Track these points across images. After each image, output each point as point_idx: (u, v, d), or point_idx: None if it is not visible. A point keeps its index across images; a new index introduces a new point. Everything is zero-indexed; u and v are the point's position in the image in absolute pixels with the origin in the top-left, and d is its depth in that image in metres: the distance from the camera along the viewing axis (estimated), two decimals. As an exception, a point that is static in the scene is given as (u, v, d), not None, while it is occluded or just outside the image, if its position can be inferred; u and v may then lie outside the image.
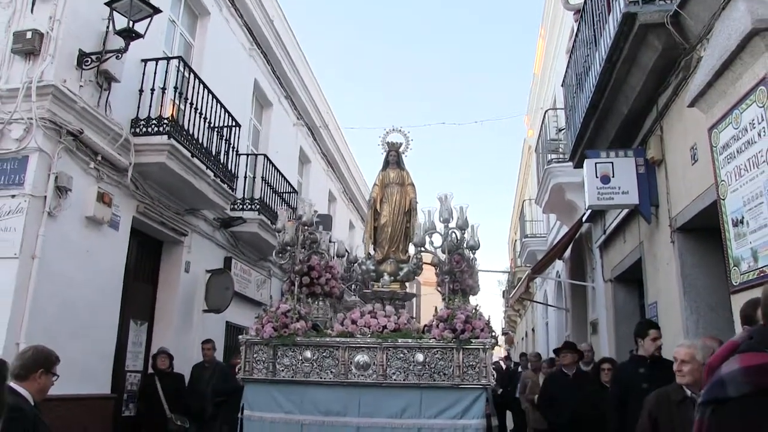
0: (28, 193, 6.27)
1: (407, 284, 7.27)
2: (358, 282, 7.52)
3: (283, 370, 5.98)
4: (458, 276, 6.41)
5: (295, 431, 5.78)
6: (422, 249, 6.78)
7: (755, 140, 3.95)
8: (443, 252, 6.52)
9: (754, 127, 3.95)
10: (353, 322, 6.20)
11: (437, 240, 6.58)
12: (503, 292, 29.47)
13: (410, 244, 7.09)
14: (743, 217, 4.14)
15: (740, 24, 3.95)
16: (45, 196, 6.39)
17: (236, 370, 7.25)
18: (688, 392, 3.67)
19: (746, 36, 3.85)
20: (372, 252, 7.23)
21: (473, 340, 5.73)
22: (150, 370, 8.27)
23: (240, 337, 6.27)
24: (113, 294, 7.66)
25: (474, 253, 6.63)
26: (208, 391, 8.07)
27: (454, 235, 6.58)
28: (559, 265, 14.02)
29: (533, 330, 21.93)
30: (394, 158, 7.43)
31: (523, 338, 26.29)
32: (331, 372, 5.90)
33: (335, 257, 7.66)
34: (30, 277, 6.18)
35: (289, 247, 6.60)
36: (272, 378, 5.97)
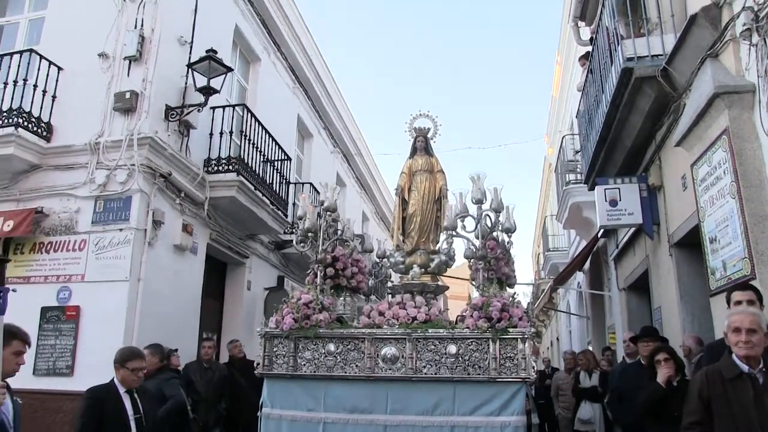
0: (133, 227, 7.59)
1: (439, 277, 6.74)
2: (388, 278, 7.09)
3: (304, 365, 5.56)
4: (493, 263, 5.80)
5: (317, 430, 5.37)
6: (454, 234, 6.04)
7: (722, 177, 5.10)
8: (476, 237, 5.88)
9: (721, 167, 5.10)
10: (380, 313, 5.77)
11: (470, 224, 5.92)
12: (528, 303, 30.25)
13: (441, 233, 6.55)
14: (716, 236, 5.28)
15: (707, 86, 5.12)
16: (145, 229, 7.70)
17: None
18: (745, 368, 3.31)
19: (711, 96, 5.02)
20: (401, 243, 6.76)
21: (511, 330, 5.19)
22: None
23: (258, 329, 5.87)
24: (194, 309, 8.94)
25: (510, 237, 6.03)
26: (209, 394, 7.49)
27: (488, 217, 5.96)
28: (580, 277, 15.05)
29: (558, 339, 22.86)
30: (421, 144, 6.97)
31: (548, 347, 27.16)
32: (357, 366, 5.44)
33: (359, 247, 6.99)
34: (137, 296, 7.48)
35: (310, 234, 6.21)
36: (293, 373, 5.56)
